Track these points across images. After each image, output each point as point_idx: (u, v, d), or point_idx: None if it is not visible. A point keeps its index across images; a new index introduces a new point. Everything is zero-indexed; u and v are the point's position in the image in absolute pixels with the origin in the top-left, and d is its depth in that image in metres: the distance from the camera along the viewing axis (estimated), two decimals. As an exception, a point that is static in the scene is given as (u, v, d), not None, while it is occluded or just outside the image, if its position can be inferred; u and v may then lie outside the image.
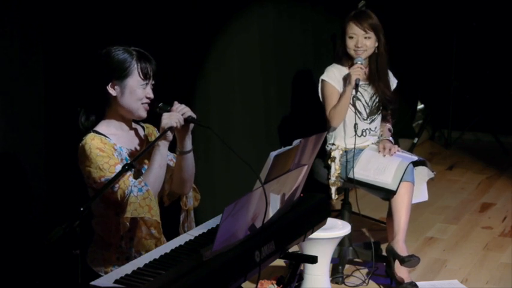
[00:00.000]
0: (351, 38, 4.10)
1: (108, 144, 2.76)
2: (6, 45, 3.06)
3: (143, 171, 2.85)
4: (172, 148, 2.92)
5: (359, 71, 4.02)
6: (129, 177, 2.73)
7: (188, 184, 2.96)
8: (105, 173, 2.70)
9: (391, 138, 4.25)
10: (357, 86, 4.01)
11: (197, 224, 2.80)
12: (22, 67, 3.13)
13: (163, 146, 2.79)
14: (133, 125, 2.96)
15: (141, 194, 2.71)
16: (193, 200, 3.03)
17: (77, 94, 2.90)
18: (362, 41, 4.07)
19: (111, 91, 2.80)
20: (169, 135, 2.79)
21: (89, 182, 2.77)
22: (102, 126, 2.84)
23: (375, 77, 4.15)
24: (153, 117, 2.91)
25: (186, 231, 2.95)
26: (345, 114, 4.08)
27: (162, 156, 2.80)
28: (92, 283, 2.21)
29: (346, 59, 4.16)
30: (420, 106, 7.48)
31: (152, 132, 3.03)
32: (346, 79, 4.08)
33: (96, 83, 2.80)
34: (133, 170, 2.76)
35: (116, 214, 2.79)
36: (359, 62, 4.05)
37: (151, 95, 2.86)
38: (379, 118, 4.23)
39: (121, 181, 2.70)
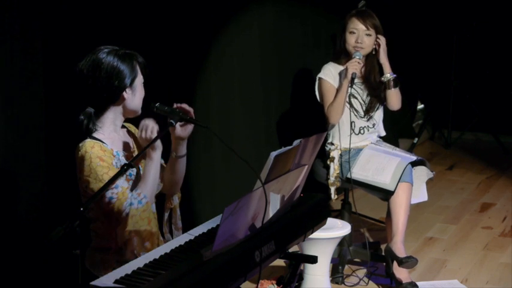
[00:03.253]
0: (352, 33, 4.09)
1: (107, 152, 2.76)
2: (6, 45, 3.06)
3: (137, 169, 2.86)
4: (165, 148, 2.92)
5: (356, 65, 4.02)
6: (127, 189, 2.73)
7: (178, 185, 2.99)
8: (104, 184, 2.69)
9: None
10: (352, 80, 4.00)
11: (197, 224, 2.79)
12: (22, 67, 3.13)
13: (156, 157, 2.79)
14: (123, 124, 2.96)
15: (141, 207, 2.72)
16: (177, 198, 3.04)
17: (78, 98, 2.86)
18: (362, 37, 4.07)
19: (125, 96, 2.81)
20: (160, 144, 2.79)
21: (86, 192, 2.75)
22: (97, 131, 2.82)
23: (370, 77, 4.14)
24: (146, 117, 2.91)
25: (173, 229, 2.96)
26: (343, 109, 4.06)
27: (156, 169, 2.80)
28: (92, 283, 2.21)
29: (344, 57, 4.16)
30: (420, 106, 7.49)
31: (135, 131, 3.03)
32: (342, 74, 4.08)
33: (112, 92, 2.77)
34: (132, 177, 2.77)
35: (116, 221, 2.79)
36: (357, 57, 4.05)
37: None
38: (376, 114, 4.21)
39: (120, 193, 2.71)
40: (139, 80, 2.84)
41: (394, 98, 4.15)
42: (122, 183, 2.74)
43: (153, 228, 2.75)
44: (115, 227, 2.76)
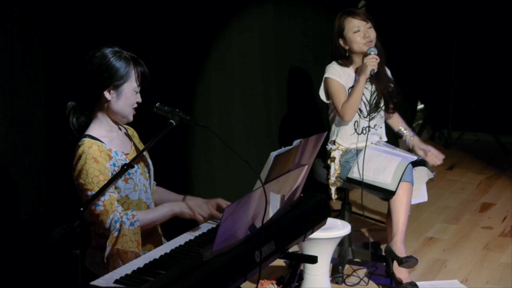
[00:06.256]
0: (357, 31, 4.03)
1: (104, 152, 2.76)
2: (6, 45, 3.06)
3: (135, 167, 2.86)
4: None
5: (375, 62, 3.96)
6: (115, 200, 2.73)
7: None
8: (93, 187, 2.69)
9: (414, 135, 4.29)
10: (371, 78, 3.98)
11: (197, 224, 2.80)
12: (22, 67, 3.13)
13: (172, 213, 2.82)
14: (120, 126, 2.96)
15: (132, 229, 2.70)
16: None
17: (72, 94, 2.89)
18: (367, 32, 4.04)
19: (107, 96, 2.79)
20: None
21: (78, 192, 2.76)
22: (94, 129, 2.83)
23: (377, 73, 4.09)
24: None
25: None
26: (358, 106, 4.04)
27: (164, 218, 2.82)
28: (92, 283, 2.21)
29: (349, 60, 4.11)
30: (420, 106, 7.49)
31: (133, 134, 3.03)
32: (358, 69, 4.05)
33: (93, 88, 2.79)
34: (131, 175, 2.77)
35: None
36: (373, 53, 3.99)
37: (140, 100, 2.87)
38: (379, 116, 4.20)
39: (107, 202, 2.70)
40: (130, 86, 2.81)
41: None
42: (111, 192, 2.73)
43: (140, 252, 2.72)
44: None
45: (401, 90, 4.22)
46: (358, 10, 4.11)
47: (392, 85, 4.17)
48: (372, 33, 4.05)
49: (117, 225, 2.68)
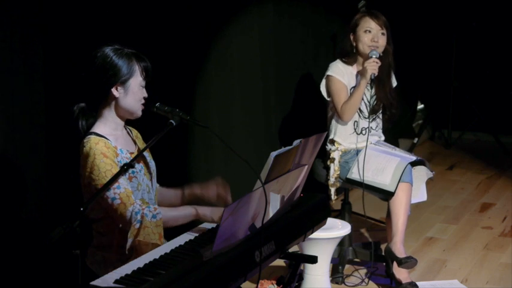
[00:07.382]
0: (367, 31, 4.03)
1: (110, 149, 2.76)
2: (7, 45, 3.06)
3: (139, 167, 2.86)
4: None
5: (375, 65, 3.96)
6: (131, 194, 2.72)
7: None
8: (106, 181, 2.69)
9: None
10: (372, 82, 3.98)
11: (197, 224, 2.79)
12: (22, 67, 3.13)
13: (191, 217, 2.81)
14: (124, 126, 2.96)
15: (154, 221, 2.69)
16: None
17: (76, 95, 2.89)
18: (378, 36, 4.04)
19: (115, 93, 2.80)
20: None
21: (89, 188, 2.75)
22: (100, 127, 2.83)
23: (380, 80, 4.10)
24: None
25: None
26: (357, 108, 4.04)
27: (184, 220, 2.81)
28: (92, 283, 2.21)
29: (353, 58, 4.11)
30: (420, 106, 7.49)
31: (137, 135, 3.03)
32: (359, 73, 4.04)
33: (100, 87, 2.79)
34: (135, 174, 2.77)
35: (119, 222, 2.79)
36: (374, 56, 3.99)
37: (147, 95, 2.88)
38: (380, 117, 4.20)
39: (123, 194, 2.70)
40: (136, 81, 2.82)
41: None
42: (126, 185, 2.73)
43: (163, 244, 2.71)
44: (122, 229, 2.76)
45: (398, 105, 4.20)
46: (380, 14, 4.09)
47: (392, 98, 4.14)
48: (382, 41, 4.04)
49: (138, 216, 2.67)
